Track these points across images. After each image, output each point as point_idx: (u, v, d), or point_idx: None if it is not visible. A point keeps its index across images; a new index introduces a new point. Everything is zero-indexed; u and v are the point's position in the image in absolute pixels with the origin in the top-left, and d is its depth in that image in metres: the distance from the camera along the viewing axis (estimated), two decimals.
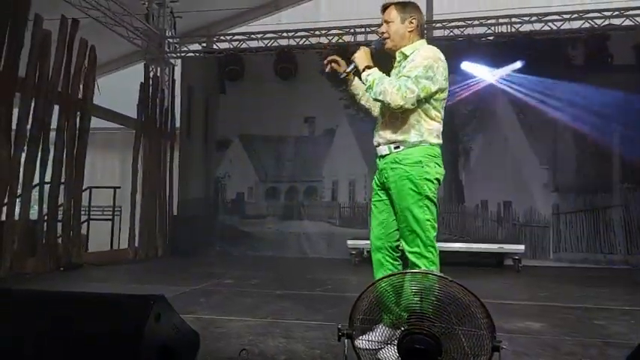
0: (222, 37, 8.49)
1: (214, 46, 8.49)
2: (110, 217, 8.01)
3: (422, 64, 2.27)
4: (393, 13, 2.43)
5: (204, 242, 8.00)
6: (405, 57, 2.41)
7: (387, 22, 2.45)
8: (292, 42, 8.08)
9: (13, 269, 4.95)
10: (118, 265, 6.39)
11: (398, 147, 2.37)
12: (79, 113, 5.96)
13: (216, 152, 8.38)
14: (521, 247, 6.35)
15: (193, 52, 8.58)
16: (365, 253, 6.66)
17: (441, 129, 2.49)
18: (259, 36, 8.16)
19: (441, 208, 7.27)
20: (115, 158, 9.52)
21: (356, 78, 2.57)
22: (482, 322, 1.49)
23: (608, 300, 4.06)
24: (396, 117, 2.37)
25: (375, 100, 2.34)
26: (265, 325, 2.96)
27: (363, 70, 2.36)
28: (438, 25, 7.93)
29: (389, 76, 2.38)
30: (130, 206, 7.30)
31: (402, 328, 1.55)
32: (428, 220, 2.31)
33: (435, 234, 2.35)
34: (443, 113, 2.49)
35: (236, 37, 8.35)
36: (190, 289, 4.31)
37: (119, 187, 7.91)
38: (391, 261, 2.48)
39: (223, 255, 7.87)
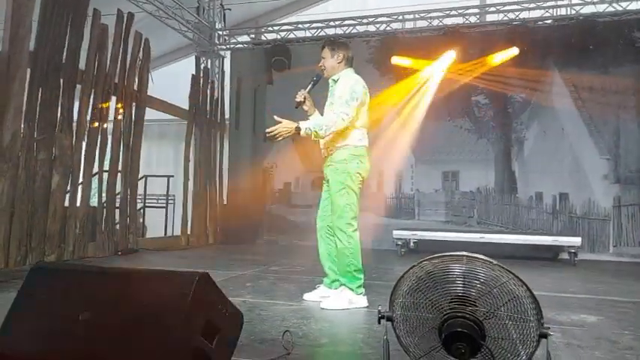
0: (269, 28, 8.57)
1: (262, 37, 8.59)
2: (164, 204, 8.34)
3: (346, 89, 3.03)
4: (326, 51, 3.20)
5: (252, 231, 8.17)
6: (335, 82, 3.19)
7: (323, 57, 3.20)
8: (339, 31, 8.03)
9: (75, 254, 5.28)
10: (172, 251, 6.67)
11: (332, 150, 3.11)
12: (134, 104, 6.22)
13: (264, 142, 8.50)
14: (578, 239, 6.03)
15: (242, 43, 8.72)
16: (411, 243, 6.58)
17: (365, 133, 3.18)
18: (306, 26, 8.17)
19: (493, 200, 7.21)
20: (169, 148, 9.90)
21: (306, 103, 3.28)
22: (529, 308, 1.43)
23: None
24: None
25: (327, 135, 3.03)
26: (309, 310, 3.00)
27: (297, 131, 2.95)
28: (492, 9, 7.62)
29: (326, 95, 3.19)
30: (183, 195, 7.58)
31: (444, 312, 1.51)
32: (347, 205, 3.04)
33: (352, 215, 3.07)
34: (365, 118, 3.17)
35: (283, 27, 8.40)
36: (238, 275, 4.43)
37: (172, 176, 8.22)
38: (329, 236, 3.25)
39: (271, 244, 8.01)
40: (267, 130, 3.01)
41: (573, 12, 7.07)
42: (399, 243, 6.57)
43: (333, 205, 3.10)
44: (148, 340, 1.56)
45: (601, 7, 6.96)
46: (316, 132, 2.95)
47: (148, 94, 6.60)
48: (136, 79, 6.23)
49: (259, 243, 8.04)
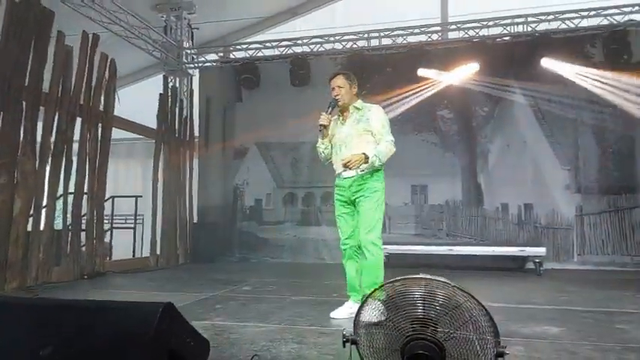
0: (238, 47, 8.62)
1: (231, 56, 8.62)
2: (132, 225, 8.18)
3: (383, 119, 3.36)
4: (342, 81, 3.40)
5: (223, 249, 8.10)
6: (358, 109, 3.41)
7: (339, 87, 3.38)
8: (306, 49, 8.14)
9: (39, 278, 5.10)
10: (141, 272, 6.52)
11: (364, 169, 3.30)
12: (100, 125, 6.12)
13: (234, 160, 8.49)
14: (543, 249, 6.23)
15: (210, 62, 8.73)
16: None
17: None
18: (274, 44, 8.26)
19: (461, 212, 7.37)
20: (137, 168, 9.73)
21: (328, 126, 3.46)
22: (485, 328, 1.48)
23: (631, 304, 3.94)
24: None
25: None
26: (279, 331, 2.98)
27: (366, 160, 3.20)
28: (453, 27, 7.88)
29: (343, 118, 3.46)
30: (152, 214, 7.46)
31: (406, 335, 1.55)
32: (379, 219, 3.32)
33: (381, 229, 3.33)
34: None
35: (252, 45, 8.46)
36: (208, 296, 4.37)
37: (140, 196, 8.08)
38: (357, 254, 3.43)
39: (242, 262, 7.95)
40: (344, 160, 3.21)
41: (529, 29, 7.38)
42: None
43: (366, 220, 3.26)
44: None
45: (555, 24, 7.30)
46: (380, 159, 3.24)
47: (115, 113, 6.50)
48: (102, 100, 6.14)
49: (231, 261, 7.96)
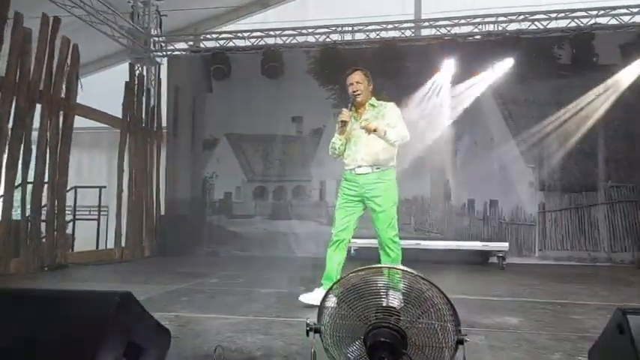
0: (208, 36, 8.46)
1: (201, 45, 8.46)
2: (96, 217, 7.94)
3: (400, 116, 3.43)
4: (361, 77, 3.42)
5: (191, 242, 7.97)
6: (373, 107, 3.46)
7: (358, 82, 3.39)
8: (279, 40, 8.06)
9: None
10: (104, 265, 6.35)
11: (382, 168, 3.39)
12: (62, 112, 5.90)
13: (204, 152, 8.36)
14: (505, 244, 6.41)
15: (180, 50, 8.54)
16: (352, 251, 6.67)
17: None
18: (246, 34, 8.14)
19: (429, 208, 7.47)
20: (102, 158, 9.45)
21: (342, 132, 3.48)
22: (447, 316, 1.50)
23: (586, 296, 4.10)
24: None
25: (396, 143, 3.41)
26: (245, 323, 2.95)
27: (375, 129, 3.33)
28: (426, 24, 7.96)
29: (358, 114, 3.48)
30: (116, 206, 7.26)
31: (369, 323, 1.55)
32: (395, 217, 3.48)
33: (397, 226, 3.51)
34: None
35: (223, 35, 8.32)
36: (173, 289, 4.29)
37: (104, 187, 7.84)
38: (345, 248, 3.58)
39: (211, 255, 7.84)
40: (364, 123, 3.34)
41: (500, 28, 7.52)
42: None
43: (385, 220, 3.36)
44: None
45: (524, 25, 7.45)
46: (393, 134, 3.32)
47: (79, 101, 6.28)
48: (64, 86, 5.91)
49: (199, 254, 7.84)
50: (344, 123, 3.35)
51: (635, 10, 7.03)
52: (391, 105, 3.50)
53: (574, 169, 7.26)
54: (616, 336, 1.40)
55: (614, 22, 7.14)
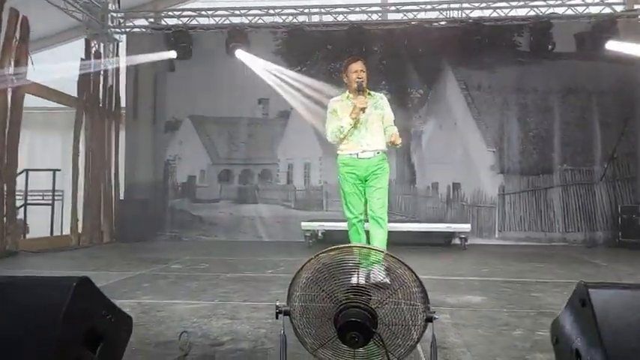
0: (170, 13, 8.13)
1: (162, 22, 8.12)
2: (50, 201, 7.57)
3: (390, 109, 3.73)
4: (363, 65, 3.63)
5: (153, 227, 7.75)
6: (371, 96, 3.68)
7: (362, 71, 3.59)
8: (245, 20, 7.85)
9: None
10: (60, 251, 6.10)
11: (380, 153, 3.61)
12: (10, 89, 5.55)
13: (165, 133, 8.09)
14: (468, 226, 6.57)
15: (139, 27, 8.17)
16: (320, 234, 6.68)
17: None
18: (210, 13, 7.88)
19: (394, 190, 7.55)
20: (56, 139, 8.99)
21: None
22: (416, 294, 1.50)
23: (544, 274, 4.27)
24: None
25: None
26: (211, 308, 2.90)
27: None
28: (393, 8, 7.94)
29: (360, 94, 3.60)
30: (72, 190, 6.95)
31: (339, 303, 1.53)
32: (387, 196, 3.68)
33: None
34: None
35: (185, 12, 8.02)
36: (134, 275, 4.17)
37: (59, 170, 7.46)
38: None
39: (174, 240, 7.67)
40: (393, 137, 3.52)
41: (464, 15, 7.60)
42: (307, 234, 6.65)
43: (379, 196, 3.57)
44: (27, 355, 1.40)
45: (487, 12, 7.56)
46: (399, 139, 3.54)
47: (28, 78, 5.92)
48: (12, 62, 5.55)
49: (161, 240, 7.66)
50: (363, 110, 3.49)
51: (590, 1, 7.30)
52: (385, 98, 3.78)
53: (532, 152, 7.50)
54: (579, 309, 1.44)
55: (570, 12, 7.38)
